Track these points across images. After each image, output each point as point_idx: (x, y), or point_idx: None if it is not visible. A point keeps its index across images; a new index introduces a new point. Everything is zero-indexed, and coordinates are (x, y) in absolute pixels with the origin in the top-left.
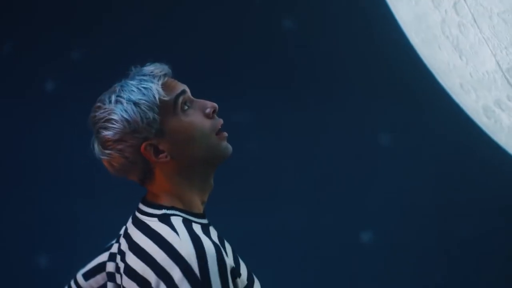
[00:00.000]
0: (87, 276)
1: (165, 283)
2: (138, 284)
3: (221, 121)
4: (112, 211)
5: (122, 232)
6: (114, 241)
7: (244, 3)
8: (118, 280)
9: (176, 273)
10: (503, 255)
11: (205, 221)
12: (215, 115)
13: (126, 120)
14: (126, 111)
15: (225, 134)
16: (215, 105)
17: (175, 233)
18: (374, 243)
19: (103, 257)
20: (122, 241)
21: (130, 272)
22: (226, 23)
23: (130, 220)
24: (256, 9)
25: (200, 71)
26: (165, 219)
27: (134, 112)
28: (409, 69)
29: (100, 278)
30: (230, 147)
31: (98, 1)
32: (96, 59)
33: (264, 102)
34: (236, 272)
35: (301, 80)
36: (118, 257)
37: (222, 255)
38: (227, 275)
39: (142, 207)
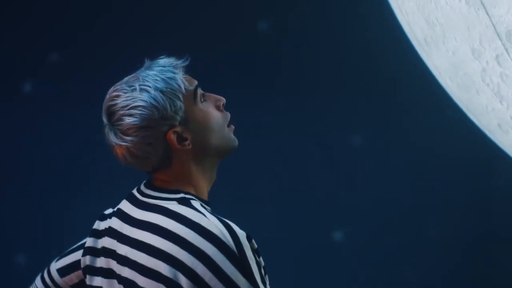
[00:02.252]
0: (63, 273)
1: (201, 261)
2: (167, 263)
3: (229, 114)
4: (93, 211)
5: (97, 225)
6: (87, 238)
7: (222, 5)
8: (106, 264)
9: (210, 250)
10: (467, 253)
11: (210, 209)
12: (223, 109)
13: (155, 107)
14: (154, 98)
15: (233, 126)
16: (224, 99)
17: (200, 214)
18: (346, 242)
19: (78, 255)
20: (114, 221)
21: (154, 252)
22: (204, 25)
23: (125, 204)
24: (232, 11)
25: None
26: (185, 202)
27: (162, 100)
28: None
29: (74, 276)
30: (236, 139)
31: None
32: (75, 61)
33: (251, 103)
34: (258, 252)
35: (288, 81)
36: (111, 241)
37: (248, 234)
38: (255, 253)
39: (151, 192)
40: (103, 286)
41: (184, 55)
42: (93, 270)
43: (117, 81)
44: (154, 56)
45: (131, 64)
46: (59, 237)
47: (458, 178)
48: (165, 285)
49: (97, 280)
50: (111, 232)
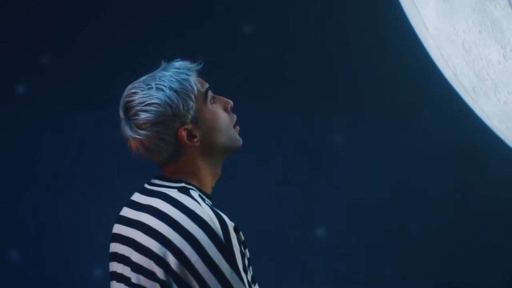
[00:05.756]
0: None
1: (190, 244)
2: (159, 242)
3: (235, 116)
4: (84, 208)
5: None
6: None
7: (207, 8)
8: (114, 248)
9: (199, 234)
10: (446, 249)
11: (210, 203)
12: (230, 111)
13: (169, 105)
14: (168, 97)
15: (238, 127)
16: (231, 102)
17: (195, 202)
18: (329, 238)
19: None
20: (127, 211)
21: (150, 231)
22: (190, 29)
23: (135, 194)
24: (218, 14)
25: None
26: (184, 190)
27: (176, 99)
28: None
29: None
30: (241, 139)
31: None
32: (71, 62)
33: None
34: (245, 244)
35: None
36: (118, 226)
37: (237, 226)
38: (241, 244)
39: (157, 181)
40: (112, 269)
41: (176, 58)
42: (110, 257)
43: (112, 82)
44: (143, 59)
45: (125, 66)
46: (52, 235)
47: (440, 175)
48: (155, 262)
49: (110, 265)
50: (120, 220)
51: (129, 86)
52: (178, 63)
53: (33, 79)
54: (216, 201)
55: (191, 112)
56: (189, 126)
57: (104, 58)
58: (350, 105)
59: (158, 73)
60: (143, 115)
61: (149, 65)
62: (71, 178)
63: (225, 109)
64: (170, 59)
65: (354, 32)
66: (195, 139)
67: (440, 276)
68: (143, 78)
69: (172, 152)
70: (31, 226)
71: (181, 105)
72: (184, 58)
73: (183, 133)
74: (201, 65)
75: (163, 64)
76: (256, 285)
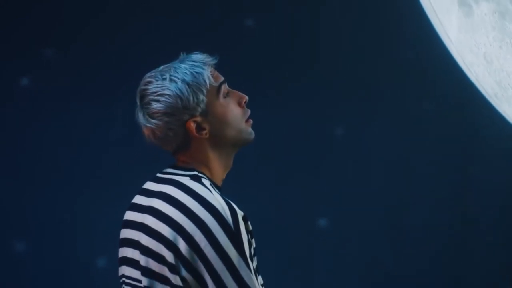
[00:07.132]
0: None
1: (201, 230)
2: (170, 227)
3: (249, 111)
4: (88, 201)
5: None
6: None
7: (207, 8)
8: (126, 234)
9: (210, 221)
10: (436, 244)
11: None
12: (245, 105)
13: (179, 97)
14: (180, 89)
15: (251, 121)
16: (247, 97)
17: (207, 190)
18: (330, 229)
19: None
20: (139, 198)
21: (161, 216)
22: (191, 21)
23: (148, 183)
24: (217, 14)
25: None
26: (196, 178)
27: (187, 92)
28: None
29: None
30: (253, 133)
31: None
32: (69, 61)
33: None
34: (252, 234)
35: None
36: (130, 213)
37: (245, 215)
38: (249, 233)
39: (170, 170)
40: (122, 255)
41: (175, 52)
42: (119, 243)
43: (111, 80)
44: (144, 54)
45: (125, 64)
46: (55, 227)
47: (437, 168)
48: (165, 246)
49: (120, 251)
50: (131, 207)
51: (147, 74)
52: (195, 56)
53: (36, 74)
54: (222, 192)
55: (201, 105)
56: (198, 119)
57: (103, 57)
58: (352, 101)
59: (175, 64)
60: (155, 105)
61: (150, 64)
62: (73, 171)
63: (239, 104)
64: (171, 58)
65: (362, 29)
66: (204, 132)
67: (440, 265)
68: (161, 67)
69: (181, 142)
70: (35, 218)
71: (191, 98)
72: (185, 50)
73: (192, 125)
74: (217, 60)
75: (182, 56)
76: (260, 276)
